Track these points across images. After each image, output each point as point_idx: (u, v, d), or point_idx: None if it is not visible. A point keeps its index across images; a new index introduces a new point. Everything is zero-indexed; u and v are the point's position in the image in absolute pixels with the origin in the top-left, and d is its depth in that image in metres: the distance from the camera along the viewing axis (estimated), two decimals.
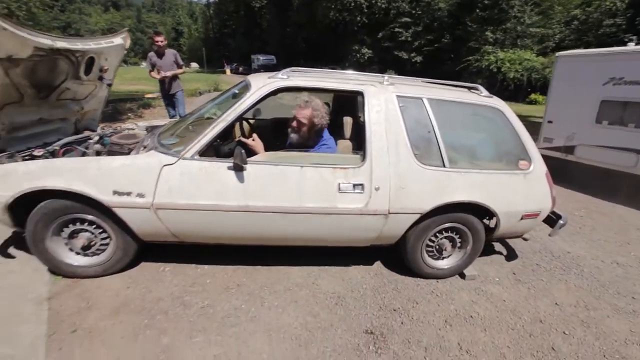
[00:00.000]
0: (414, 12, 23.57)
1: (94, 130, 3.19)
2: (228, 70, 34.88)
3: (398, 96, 2.12)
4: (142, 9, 79.28)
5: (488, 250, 2.81)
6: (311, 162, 2.01)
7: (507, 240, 3.00)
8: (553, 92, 5.47)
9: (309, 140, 2.25)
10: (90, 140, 2.60)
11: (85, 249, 2.13)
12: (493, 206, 2.15)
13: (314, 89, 2.17)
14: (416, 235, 2.23)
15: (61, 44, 2.40)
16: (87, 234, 2.09)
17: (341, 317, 2.00)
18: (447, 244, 2.33)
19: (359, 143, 2.21)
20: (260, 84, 2.07)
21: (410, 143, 2.07)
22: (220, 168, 1.94)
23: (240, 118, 2.17)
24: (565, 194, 4.40)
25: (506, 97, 18.01)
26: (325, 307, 2.07)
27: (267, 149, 2.22)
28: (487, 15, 19.94)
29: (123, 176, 1.92)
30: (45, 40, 2.24)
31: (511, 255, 2.81)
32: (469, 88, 2.46)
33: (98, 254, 2.17)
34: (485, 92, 2.34)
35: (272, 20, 36.87)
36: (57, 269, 2.15)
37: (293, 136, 2.27)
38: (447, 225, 2.25)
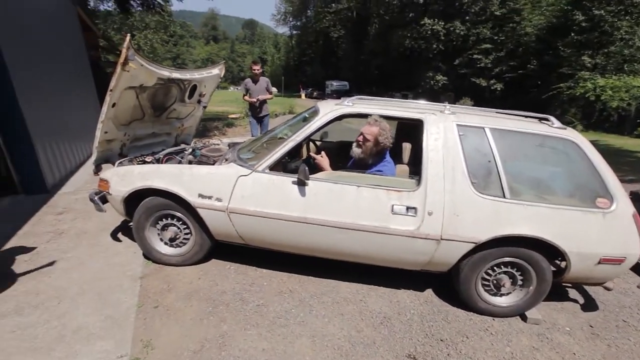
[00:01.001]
0: (496, 37, 22.45)
1: (188, 144, 3.83)
2: (303, 95, 37.23)
3: (458, 125, 2.15)
4: (235, 41, 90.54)
5: (560, 296, 2.53)
6: (368, 183, 2.15)
7: (586, 288, 2.66)
8: None
9: (370, 157, 2.39)
10: (185, 152, 3.14)
11: (172, 241, 2.56)
12: (561, 244, 1.99)
13: (380, 116, 2.33)
14: (471, 266, 2.16)
15: (175, 74, 3.01)
16: (174, 228, 2.52)
17: (385, 336, 2.03)
18: (505, 280, 2.19)
19: (416, 168, 2.28)
20: (328, 109, 2.31)
21: (467, 171, 2.06)
22: (286, 182, 2.19)
23: (308, 139, 2.42)
24: None
25: (607, 129, 15.72)
26: (370, 325, 2.12)
27: (330, 170, 2.42)
28: (584, 39, 17.97)
29: (207, 182, 2.30)
30: (165, 72, 2.85)
31: (590, 305, 2.48)
32: (540, 119, 2.36)
33: (180, 247, 2.59)
34: (557, 123, 2.22)
35: (347, 49, 38.68)
36: (149, 255, 2.62)
37: (356, 150, 2.43)
38: (506, 259, 2.13)
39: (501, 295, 2.25)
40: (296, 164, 2.74)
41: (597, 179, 2.08)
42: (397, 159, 2.53)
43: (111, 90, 2.41)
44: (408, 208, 2.06)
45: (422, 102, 2.55)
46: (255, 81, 5.44)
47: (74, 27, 6.82)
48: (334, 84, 34.18)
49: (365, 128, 2.36)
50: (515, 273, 2.19)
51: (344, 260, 2.36)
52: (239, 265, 2.67)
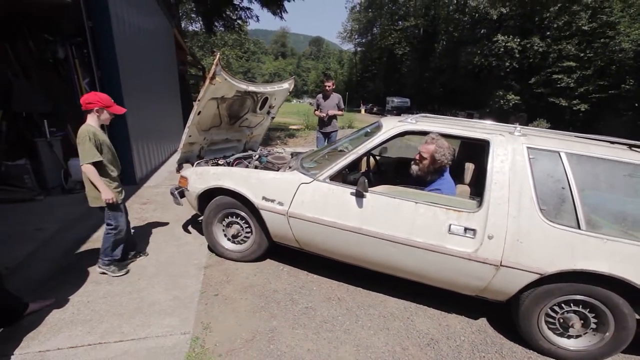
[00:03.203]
0: (582, 54, 20.25)
1: (255, 151, 4.16)
2: (363, 110, 37.49)
3: (529, 147, 2.05)
4: (301, 57, 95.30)
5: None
6: (426, 200, 2.14)
7: None
8: None
9: (428, 175, 2.38)
10: (253, 158, 3.44)
11: (234, 237, 2.81)
12: None
13: (440, 134, 2.32)
14: (533, 299, 1.99)
15: (252, 88, 3.34)
16: (237, 226, 2.77)
17: (430, 359, 1.97)
18: (575, 320, 1.97)
19: (478, 190, 2.21)
20: (391, 126, 2.37)
21: (536, 197, 1.94)
22: (345, 192, 2.29)
23: (369, 153, 2.49)
24: None
25: None
26: (416, 344, 2.07)
27: (388, 184, 2.46)
28: None
29: (272, 187, 2.50)
30: (243, 86, 3.19)
31: None
32: (631, 146, 2.12)
33: (241, 244, 2.82)
34: None
35: (411, 65, 38.14)
36: (214, 248, 2.90)
37: (414, 167, 2.44)
38: (577, 297, 1.93)
39: (569, 337, 2.03)
40: (355, 176, 2.83)
41: None
42: (459, 179, 2.47)
43: (199, 100, 2.78)
44: (467, 229, 2.00)
45: (489, 122, 2.47)
46: (326, 97, 5.53)
47: (170, 45, 7.93)
48: (395, 100, 33.81)
49: (423, 146, 2.37)
50: (588, 314, 1.96)
51: (396, 275, 2.35)
52: (292, 268, 2.81)
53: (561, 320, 2.01)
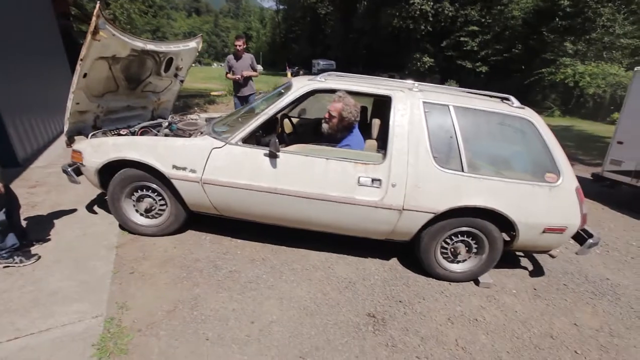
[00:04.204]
0: (483, 20, 22.40)
1: (165, 118, 3.79)
2: (289, 73, 36.40)
3: (424, 102, 2.26)
4: (219, 14, 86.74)
5: (512, 263, 2.77)
6: (336, 156, 2.25)
7: (536, 257, 2.91)
8: (627, 109, 4.94)
9: (338, 132, 2.48)
10: (162, 126, 3.14)
11: (147, 212, 2.62)
12: (511, 214, 2.17)
13: (347, 91, 2.40)
14: (430, 235, 2.33)
15: (150, 46, 2.96)
16: (150, 200, 2.58)
17: (348, 299, 2.19)
18: (462, 248, 2.38)
19: (384, 144, 2.39)
20: (300, 85, 2.37)
21: (430, 146, 2.19)
22: (258, 154, 2.27)
23: (280, 112, 2.47)
24: (627, 222, 4.00)
25: (583, 114, 16.24)
26: (336, 288, 2.28)
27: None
28: (568, 24, 18.19)
29: (182, 154, 2.35)
30: (139, 44, 2.80)
31: (537, 271, 2.73)
32: (502, 98, 2.49)
33: (156, 217, 2.65)
34: (517, 103, 2.36)
35: (335, 26, 37.70)
36: (125, 225, 2.67)
37: (324, 126, 2.52)
38: (463, 229, 2.31)
39: (457, 262, 2.45)
40: (270, 138, 2.80)
41: (548, 155, 2.25)
42: (368, 134, 2.63)
43: (82, 60, 2.37)
44: (373, 180, 2.19)
45: (393, 80, 2.63)
46: (238, 57, 5.18)
47: None
48: (321, 63, 33.48)
49: (331, 105, 2.44)
50: (471, 242, 2.38)
51: (313, 229, 2.49)
52: (215, 236, 2.77)
53: (452, 250, 2.40)
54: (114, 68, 2.80)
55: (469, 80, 22.51)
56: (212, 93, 12.79)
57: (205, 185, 2.32)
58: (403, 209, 2.19)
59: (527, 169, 2.29)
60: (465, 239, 2.37)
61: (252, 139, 2.42)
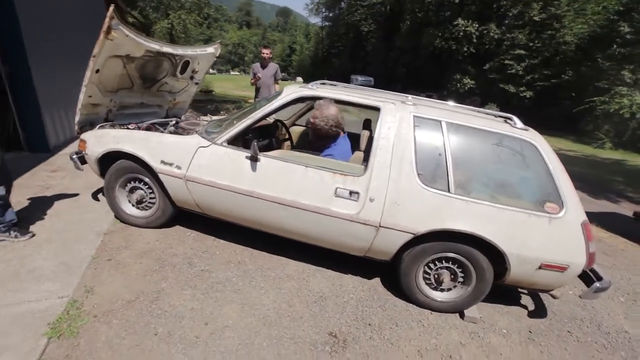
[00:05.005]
0: (531, 44, 21.39)
1: (179, 118, 3.97)
2: None
3: (415, 116, 2.14)
4: (267, 28, 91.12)
5: (510, 299, 2.49)
6: (316, 164, 2.19)
7: (541, 296, 2.60)
8: None
9: (321, 140, 2.45)
10: (169, 124, 3.27)
11: (138, 203, 2.71)
12: (500, 244, 1.96)
13: (336, 100, 2.35)
14: (411, 258, 2.16)
15: (166, 49, 3.12)
16: (141, 192, 2.67)
17: (314, 314, 2.08)
18: (446, 276, 2.18)
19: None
20: (290, 91, 2.36)
21: (415, 162, 2.06)
22: (240, 156, 2.27)
23: (267, 116, 2.44)
24: None
25: (639, 149, 14.74)
26: (304, 302, 2.18)
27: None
28: (627, 52, 16.82)
29: (170, 150, 2.41)
30: (155, 45, 2.97)
31: (538, 312, 2.42)
32: (506, 118, 2.30)
33: (146, 210, 2.73)
34: (519, 124, 2.16)
35: (377, 44, 37.99)
36: (117, 214, 2.78)
37: (310, 133, 2.49)
38: (448, 254, 2.12)
39: (441, 290, 2.25)
40: (264, 144, 2.81)
41: (551, 183, 2.03)
42: (357, 146, 2.55)
43: (94, 56, 2.56)
44: (351, 192, 2.09)
45: (389, 92, 2.54)
46: (264, 66, 5.39)
47: (98, 4, 7.12)
48: (359, 79, 32.98)
49: (312, 112, 2.41)
50: (457, 270, 2.18)
51: (288, 237, 2.41)
52: (200, 234, 2.79)
53: (435, 276, 2.21)
54: (129, 66, 2.98)
55: (511, 104, 21.48)
56: (249, 100, 13.30)
57: (188, 182, 2.36)
58: (380, 226, 2.07)
59: (524, 196, 2.06)
60: (451, 266, 2.17)
61: (239, 141, 2.43)
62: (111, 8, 2.41)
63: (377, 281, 2.52)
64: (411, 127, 2.12)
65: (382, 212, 2.05)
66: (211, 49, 3.75)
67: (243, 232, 2.63)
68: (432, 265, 2.20)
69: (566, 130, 16.79)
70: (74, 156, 2.78)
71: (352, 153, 2.57)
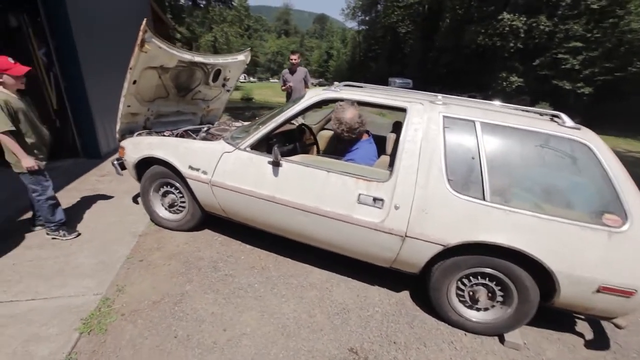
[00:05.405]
0: (589, 35, 19.41)
1: (213, 125, 4.10)
2: None
3: (445, 116, 1.98)
4: (305, 35, 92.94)
5: (563, 325, 2.19)
6: (339, 169, 2.10)
7: (604, 325, 2.24)
8: None
9: (344, 143, 2.37)
10: (202, 131, 3.39)
11: (170, 207, 2.82)
12: (546, 260, 1.72)
13: (360, 102, 2.26)
14: (442, 272, 1.98)
15: (198, 58, 3.25)
16: (172, 196, 2.77)
17: (335, 327, 1.99)
18: (482, 293, 1.97)
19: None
20: (313, 94, 2.31)
21: (446, 167, 1.89)
22: (263, 161, 2.26)
23: (290, 120, 2.40)
24: None
25: None
26: (325, 312, 2.09)
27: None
28: None
29: (198, 156, 2.48)
30: (187, 56, 3.09)
31: (599, 343, 2.09)
32: (552, 116, 2.04)
33: (177, 213, 2.83)
34: (569, 122, 1.90)
35: (415, 45, 36.97)
36: (152, 217, 2.91)
37: (335, 136, 2.42)
38: (485, 270, 1.91)
39: (477, 309, 2.04)
40: (289, 149, 2.79)
41: (610, 191, 1.75)
42: (383, 149, 2.42)
43: (131, 69, 2.71)
44: (375, 199, 1.97)
45: (416, 92, 2.39)
46: (293, 72, 5.44)
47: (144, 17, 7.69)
48: (397, 81, 32.81)
49: (333, 114, 2.33)
50: (495, 287, 1.96)
51: (311, 244, 2.34)
52: (227, 238, 2.83)
53: (470, 293, 2.01)
54: (164, 77, 3.14)
55: (567, 103, 19.67)
56: None
57: (213, 187, 2.40)
58: (406, 236, 1.92)
59: (576, 206, 1.79)
60: (488, 283, 1.96)
61: (262, 146, 2.43)
62: (144, 22, 2.53)
63: (405, 294, 2.36)
64: (440, 129, 1.96)
65: (408, 220, 1.91)
66: (241, 57, 3.84)
67: (269, 237, 2.61)
68: (466, 281, 2.00)
69: (634, 129, 14.91)
70: (115, 162, 2.97)
71: (378, 157, 2.45)
